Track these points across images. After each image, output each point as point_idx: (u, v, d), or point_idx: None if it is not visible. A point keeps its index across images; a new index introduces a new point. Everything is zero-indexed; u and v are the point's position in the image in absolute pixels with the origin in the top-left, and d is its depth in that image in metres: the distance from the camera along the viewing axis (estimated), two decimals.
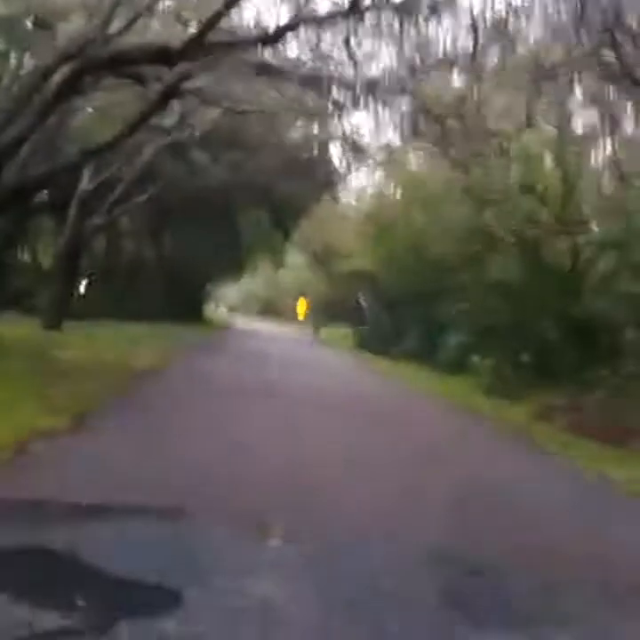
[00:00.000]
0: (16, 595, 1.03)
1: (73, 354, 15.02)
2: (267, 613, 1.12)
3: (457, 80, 16.65)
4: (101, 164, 21.14)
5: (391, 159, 23.90)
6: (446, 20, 13.84)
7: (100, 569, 1.17)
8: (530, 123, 16.42)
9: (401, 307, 32.42)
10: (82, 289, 30.34)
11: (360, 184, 37.92)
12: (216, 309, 64.17)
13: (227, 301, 76.04)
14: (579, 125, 18.93)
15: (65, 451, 7.30)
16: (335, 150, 25.31)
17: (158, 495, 5.64)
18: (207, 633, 1.00)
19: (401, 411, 15.35)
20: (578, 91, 16.01)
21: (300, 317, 56.36)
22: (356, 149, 19.96)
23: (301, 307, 56.14)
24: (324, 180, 30.01)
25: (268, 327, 55.47)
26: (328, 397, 14.81)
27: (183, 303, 41.47)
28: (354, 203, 39.50)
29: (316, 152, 27.57)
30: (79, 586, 1.12)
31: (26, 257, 32.30)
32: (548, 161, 20.53)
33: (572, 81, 14.73)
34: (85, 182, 22.14)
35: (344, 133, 19.74)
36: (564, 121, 18.27)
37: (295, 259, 52.52)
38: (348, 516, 6.19)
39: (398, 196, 29.91)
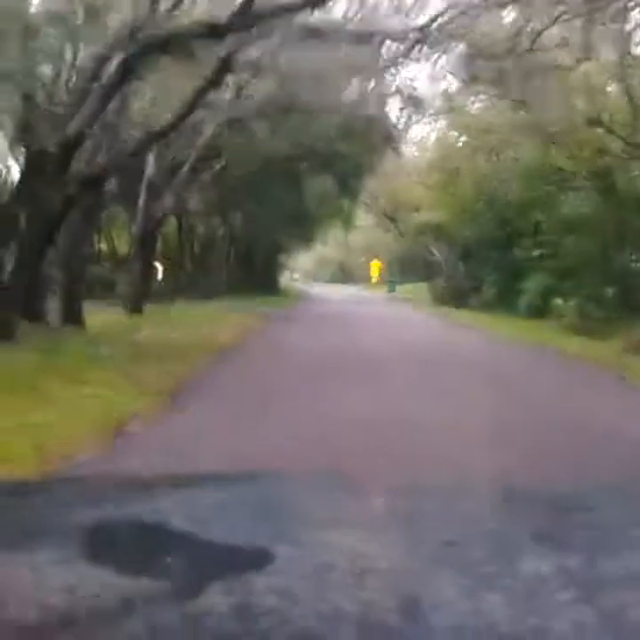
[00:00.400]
0: (112, 567, 1.07)
1: (157, 336, 15.34)
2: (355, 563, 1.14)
3: (509, 16, 16.35)
4: (165, 147, 21.40)
5: (450, 106, 23.59)
6: None
7: (189, 535, 1.21)
8: (588, 51, 16.00)
9: (476, 256, 32.04)
10: (159, 272, 30.91)
11: (422, 135, 37.56)
12: (290, 279, 64.53)
13: (300, 270, 76.33)
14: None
15: (160, 431, 7.44)
16: (393, 104, 25.05)
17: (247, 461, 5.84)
18: (296, 586, 1.03)
19: (492, 357, 15.30)
20: (635, 11, 15.54)
21: (375, 278, 56.27)
22: (413, 100, 19.76)
23: (375, 267, 56.04)
24: (384, 135, 29.74)
25: (343, 291, 55.52)
26: (419, 355, 14.78)
27: (257, 276, 41.88)
28: (417, 155, 39.14)
29: (373, 109, 27.35)
30: (171, 553, 1.16)
31: (103, 246, 33.06)
32: (612, 88, 20.02)
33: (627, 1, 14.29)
34: (151, 167, 22.46)
35: (400, 86, 19.60)
36: (623, 45, 17.77)
37: (364, 219, 52.31)
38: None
39: (462, 143, 29.51)
